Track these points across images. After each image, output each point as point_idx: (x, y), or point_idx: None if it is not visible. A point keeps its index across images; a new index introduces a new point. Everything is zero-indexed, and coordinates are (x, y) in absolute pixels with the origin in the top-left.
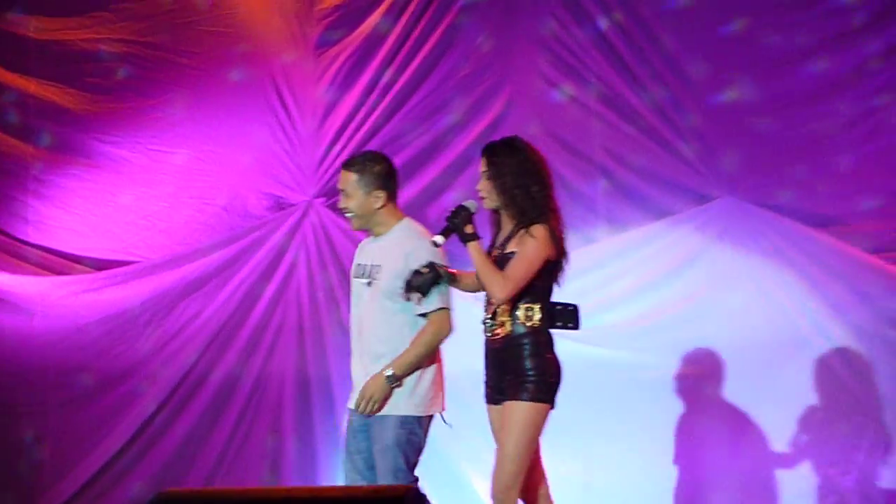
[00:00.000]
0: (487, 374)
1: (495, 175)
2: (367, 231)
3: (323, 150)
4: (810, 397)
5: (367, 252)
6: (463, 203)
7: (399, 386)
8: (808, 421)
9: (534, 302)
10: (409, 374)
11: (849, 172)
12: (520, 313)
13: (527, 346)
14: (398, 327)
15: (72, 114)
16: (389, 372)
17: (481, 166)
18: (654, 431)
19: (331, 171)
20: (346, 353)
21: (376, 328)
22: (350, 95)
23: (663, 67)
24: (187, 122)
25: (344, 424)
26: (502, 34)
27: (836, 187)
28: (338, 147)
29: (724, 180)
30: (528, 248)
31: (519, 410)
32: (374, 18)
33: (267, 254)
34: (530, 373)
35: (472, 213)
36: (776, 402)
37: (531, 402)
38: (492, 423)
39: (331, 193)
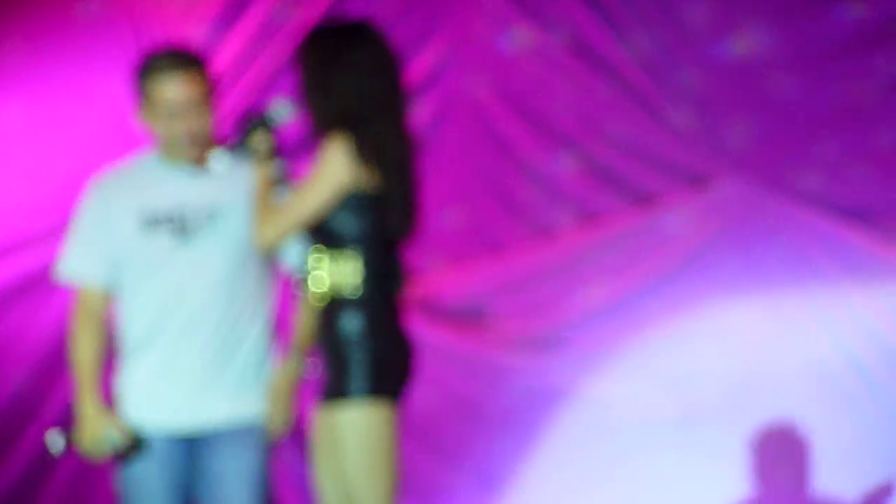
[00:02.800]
0: None
1: (300, 71)
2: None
3: None
4: (833, 442)
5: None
6: (270, 108)
7: None
8: (830, 471)
9: (347, 253)
10: None
11: (892, 150)
12: (331, 271)
13: (344, 320)
14: None
15: None
16: None
17: None
18: (632, 485)
19: None
20: None
21: None
22: (234, 36)
23: (650, 6)
24: (18, 71)
25: None
26: None
27: (875, 169)
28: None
29: (727, 157)
30: (311, 174)
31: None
32: None
33: None
34: (351, 357)
35: (276, 122)
36: (790, 447)
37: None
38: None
39: None
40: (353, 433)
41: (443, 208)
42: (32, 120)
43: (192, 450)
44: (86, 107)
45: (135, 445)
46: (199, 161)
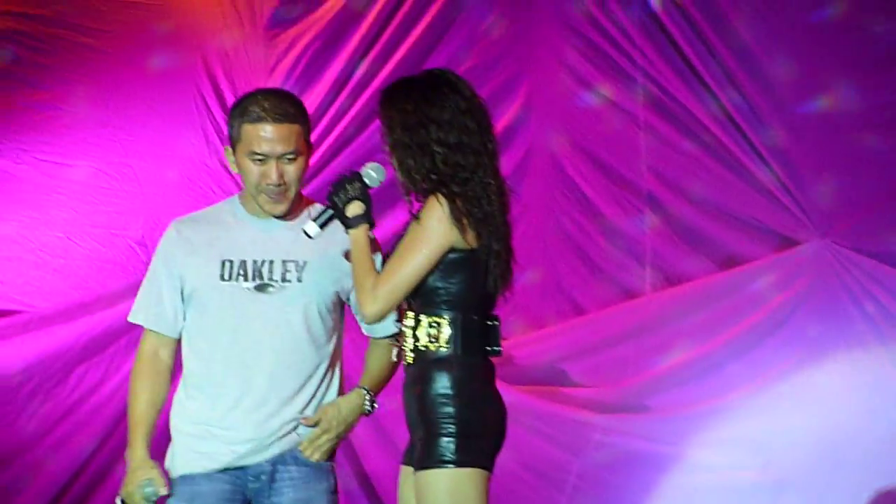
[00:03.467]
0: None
1: (385, 130)
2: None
3: None
4: None
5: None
6: (359, 169)
7: None
8: None
9: (440, 314)
10: None
11: None
12: (421, 332)
13: (434, 381)
14: None
15: None
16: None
17: None
18: None
19: None
20: None
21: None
22: (312, 93)
23: (735, 64)
24: (91, 125)
25: None
26: (519, 14)
27: None
28: None
29: (815, 217)
30: (409, 237)
31: (430, 482)
32: None
33: None
34: (440, 420)
35: (369, 186)
36: None
37: (442, 469)
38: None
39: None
40: (442, 498)
41: (523, 268)
42: (105, 174)
43: (247, 488)
44: (156, 161)
45: (176, 497)
46: (284, 213)
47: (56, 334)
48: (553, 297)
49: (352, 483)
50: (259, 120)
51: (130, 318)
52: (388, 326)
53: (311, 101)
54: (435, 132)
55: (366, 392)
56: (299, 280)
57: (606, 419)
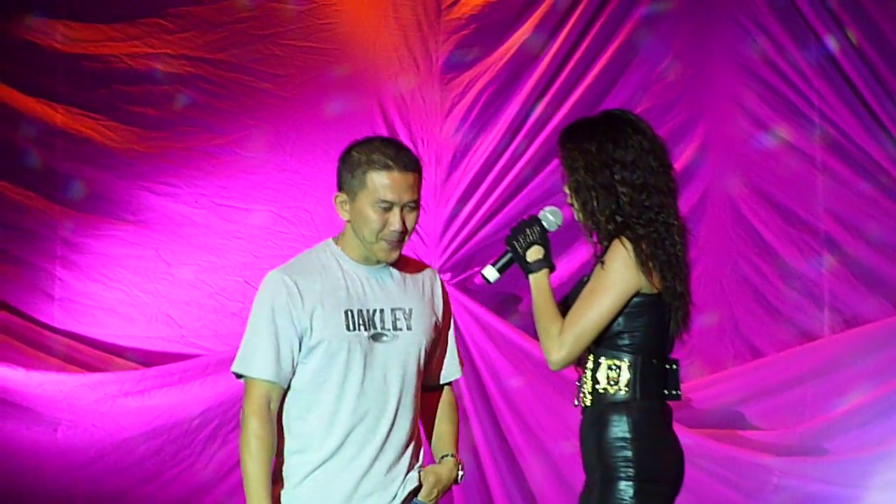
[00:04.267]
0: None
1: (567, 171)
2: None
3: (450, 211)
4: None
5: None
6: (538, 214)
7: None
8: None
9: (619, 357)
10: None
11: None
12: (601, 374)
13: (612, 425)
14: None
15: (112, 155)
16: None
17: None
18: None
19: (460, 237)
20: None
21: None
22: (488, 136)
23: None
24: (269, 169)
25: None
26: (695, 56)
27: None
28: (469, 206)
29: None
30: (595, 282)
31: None
32: (522, 33)
33: None
34: (618, 464)
35: (547, 230)
36: None
37: None
38: None
39: (459, 268)
40: None
41: (701, 310)
42: (283, 218)
43: None
44: (333, 206)
45: None
46: (392, 261)
47: (234, 378)
48: (730, 340)
49: None
50: (387, 168)
51: (247, 372)
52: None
53: (486, 144)
54: (619, 172)
55: (458, 461)
56: (408, 328)
57: (784, 462)
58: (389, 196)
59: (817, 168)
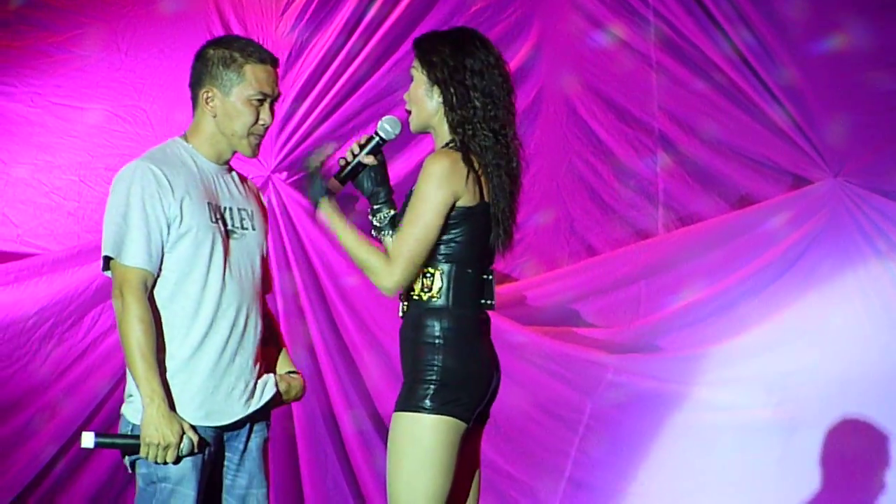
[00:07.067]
0: None
1: (424, 66)
2: None
3: (286, 110)
4: None
5: None
6: (377, 129)
7: None
8: None
9: (434, 265)
10: None
11: None
12: (416, 282)
13: (424, 328)
14: None
15: None
16: None
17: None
18: (731, 488)
19: (295, 137)
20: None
21: None
22: (324, 35)
23: (747, 3)
24: (104, 68)
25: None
26: None
27: None
28: (305, 106)
29: (827, 157)
30: (417, 195)
31: (397, 424)
32: None
33: None
34: (424, 366)
35: (385, 140)
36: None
37: (412, 413)
38: None
39: (295, 167)
40: (406, 441)
41: (536, 209)
42: (118, 117)
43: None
44: (169, 104)
45: (201, 445)
46: (256, 156)
47: (70, 277)
48: (565, 238)
49: (366, 424)
50: (262, 61)
51: (122, 259)
52: None
53: (322, 43)
54: (470, 79)
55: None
56: (253, 228)
57: (618, 359)
58: (266, 88)
59: (652, 67)
